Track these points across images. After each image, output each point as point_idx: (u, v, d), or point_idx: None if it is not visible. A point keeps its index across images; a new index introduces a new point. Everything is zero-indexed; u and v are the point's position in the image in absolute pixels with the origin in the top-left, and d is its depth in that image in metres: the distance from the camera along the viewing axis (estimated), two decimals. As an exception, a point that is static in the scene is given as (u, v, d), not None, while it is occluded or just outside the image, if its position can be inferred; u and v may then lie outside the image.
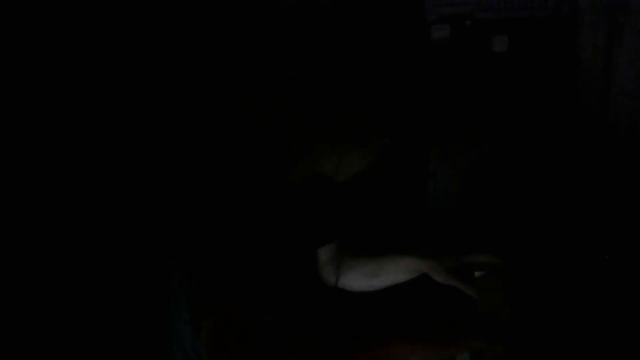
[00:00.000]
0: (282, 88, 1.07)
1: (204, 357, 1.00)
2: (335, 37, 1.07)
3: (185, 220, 1.02)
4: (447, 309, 1.26)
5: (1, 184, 1.44)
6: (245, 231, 0.98)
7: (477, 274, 1.23)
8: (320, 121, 1.05)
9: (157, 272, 1.30)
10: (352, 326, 1.05)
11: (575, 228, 1.41)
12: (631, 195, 1.37)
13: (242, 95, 1.14)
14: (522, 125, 1.56)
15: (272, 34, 1.18)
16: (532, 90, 1.54)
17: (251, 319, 0.97)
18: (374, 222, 1.65)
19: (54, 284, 1.51)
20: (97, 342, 1.55)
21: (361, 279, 1.30)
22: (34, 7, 1.43)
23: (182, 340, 1.09)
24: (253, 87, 1.15)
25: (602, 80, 1.45)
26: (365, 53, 1.07)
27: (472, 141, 1.59)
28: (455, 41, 1.53)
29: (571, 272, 1.25)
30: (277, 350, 1.01)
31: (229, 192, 1.01)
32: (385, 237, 1.62)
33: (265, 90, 1.09)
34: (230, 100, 1.46)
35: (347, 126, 1.05)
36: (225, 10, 1.51)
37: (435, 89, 1.54)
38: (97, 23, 1.49)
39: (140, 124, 1.55)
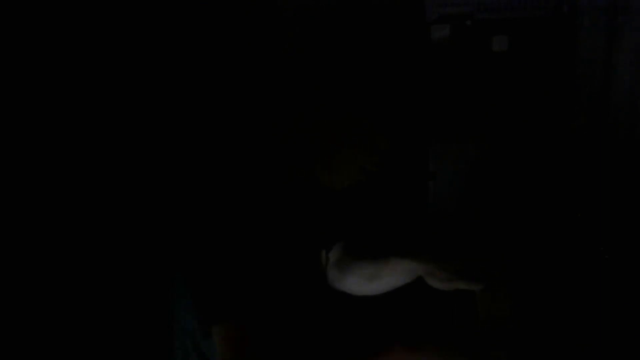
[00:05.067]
0: (281, 88, 1.07)
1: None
2: (335, 37, 1.07)
3: (189, 221, 1.02)
4: (447, 312, 1.26)
5: (3, 186, 1.44)
6: (247, 232, 0.98)
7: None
8: (318, 120, 1.05)
9: (160, 273, 1.30)
10: (356, 331, 1.05)
11: (575, 228, 1.41)
12: (631, 195, 1.38)
13: (241, 95, 1.14)
14: (522, 125, 1.56)
15: (273, 34, 1.18)
16: (532, 90, 1.55)
17: (265, 323, 0.98)
18: (375, 223, 1.65)
19: (55, 283, 1.51)
20: (98, 343, 1.55)
21: (362, 282, 1.30)
22: (34, 7, 1.43)
23: (184, 340, 1.09)
24: (252, 87, 1.15)
25: (602, 80, 1.45)
26: (365, 53, 1.07)
27: (471, 141, 1.59)
28: (455, 41, 1.53)
29: (571, 272, 1.25)
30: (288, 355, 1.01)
31: (233, 194, 1.02)
32: (385, 237, 1.62)
33: (264, 91, 1.09)
34: (230, 102, 1.46)
35: (344, 125, 1.05)
36: (226, 9, 1.51)
37: (435, 89, 1.54)
38: (98, 23, 1.49)
39: (142, 127, 1.55)
